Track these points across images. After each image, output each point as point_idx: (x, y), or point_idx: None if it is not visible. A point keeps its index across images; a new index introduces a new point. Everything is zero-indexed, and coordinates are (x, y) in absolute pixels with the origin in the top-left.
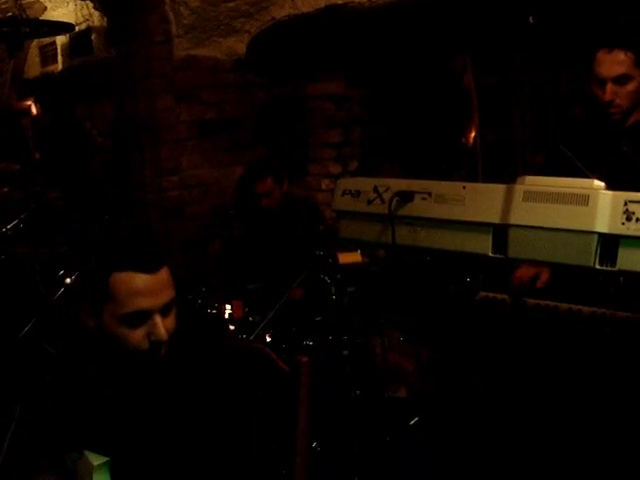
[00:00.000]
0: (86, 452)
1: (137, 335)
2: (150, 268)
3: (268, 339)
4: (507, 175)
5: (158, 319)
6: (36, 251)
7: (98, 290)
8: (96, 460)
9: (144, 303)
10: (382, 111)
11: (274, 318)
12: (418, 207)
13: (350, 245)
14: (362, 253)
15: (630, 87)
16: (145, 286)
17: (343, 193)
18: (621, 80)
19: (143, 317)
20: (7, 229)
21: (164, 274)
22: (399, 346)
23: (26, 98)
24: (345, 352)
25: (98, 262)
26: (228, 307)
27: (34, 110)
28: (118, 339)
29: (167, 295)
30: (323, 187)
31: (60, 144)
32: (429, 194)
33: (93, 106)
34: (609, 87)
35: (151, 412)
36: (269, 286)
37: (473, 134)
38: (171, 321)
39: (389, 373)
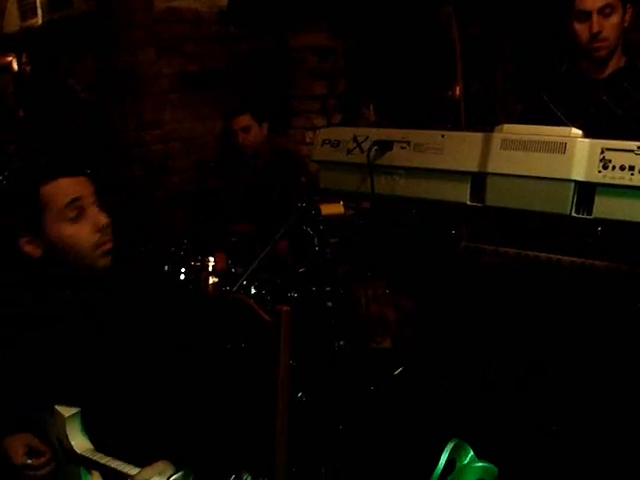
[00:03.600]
0: (56, 407)
1: (83, 230)
2: (71, 172)
3: (253, 291)
4: (490, 125)
5: (94, 208)
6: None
7: (31, 211)
8: (67, 412)
9: (74, 194)
10: (367, 63)
11: (258, 270)
12: (397, 156)
13: (333, 197)
14: (346, 205)
15: (614, 19)
16: (71, 183)
17: (323, 143)
18: (605, 11)
19: (80, 208)
20: None
21: (85, 179)
22: (383, 297)
23: (6, 54)
24: (329, 303)
25: (21, 187)
26: (211, 259)
27: (15, 66)
28: (68, 247)
29: (92, 189)
30: (307, 140)
31: (43, 101)
32: (408, 143)
33: (76, 60)
34: (595, 18)
35: (112, 351)
36: (252, 238)
37: (458, 85)
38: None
39: (373, 324)
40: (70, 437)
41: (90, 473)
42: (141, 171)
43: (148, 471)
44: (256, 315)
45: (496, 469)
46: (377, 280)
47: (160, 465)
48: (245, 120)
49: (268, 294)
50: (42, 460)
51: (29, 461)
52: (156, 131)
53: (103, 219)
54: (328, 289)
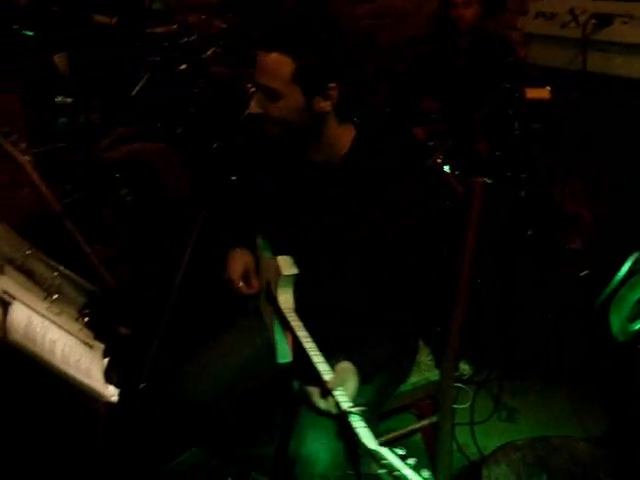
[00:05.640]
0: (279, 258)
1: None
2: (262, 46)
3: (446, 169)
4: None
5: (256, 95)
6: (233, 71)
7: None
8: (286, 269)
9: (254, 75)
10: None
11: (454, 149)
12: (616, 32)
13: (540, 82)
14: (553, 92)
15: None
16: (257, 61)
17: (536, 15)
18: None
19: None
20: (207, 55)
21: (272, 59)
22: (580, 196)
23: None
24: (522, 193)
25: None
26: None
27: None
28: None
29: (267, 80)
30: (518, 25)
31: None
32: (631, 17)
33: None
34: None
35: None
36: (452, 115)
37: None
38: (275, 110)
39: (565, 222)
40: (279, 292)
41: (284, 334)
42: (352, 45)
43: (336, 381)
44: (448, 184)
45: None
46: (577, 177)
47: (344, 370)
48: None
49: (461, 175)
50: (251, 291)
51: (240, 284)
52: (367, 5)
53: (251, 106)
54: (523, 177)
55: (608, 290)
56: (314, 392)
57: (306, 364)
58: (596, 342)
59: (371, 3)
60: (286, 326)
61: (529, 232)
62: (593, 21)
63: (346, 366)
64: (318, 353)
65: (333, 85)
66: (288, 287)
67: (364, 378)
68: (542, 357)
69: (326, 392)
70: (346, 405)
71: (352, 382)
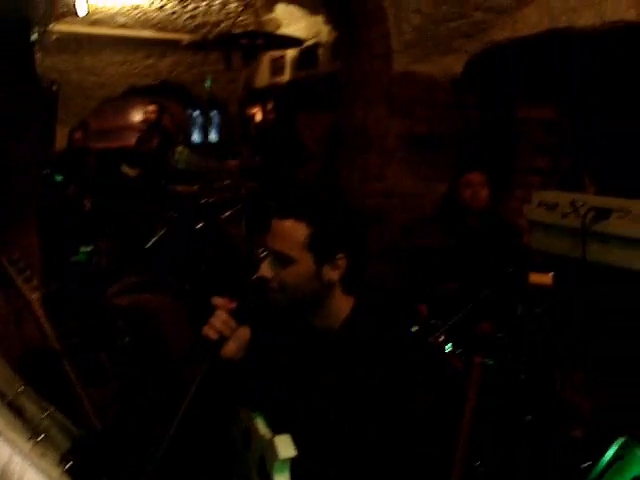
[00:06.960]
0: (276, 438)
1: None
2: (278, 213)
3: (448, 348)
4: None
5: (267, 259)
6: (248, 234)
7: None
8: (284, 451)
9: (266, 240)
10: (595, 140)
11: (455, 328)
12: (614, 225)
13: (544, 268)
14: (556, 278)
15: None
16: (272, 227)
17: (539, 204)
18: None
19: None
20: (225, 216)
21: (287, 225)
22: (580, 385)
23: (253, 105)
24: (522, 376)
25: None
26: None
27: (258, 117)
28: None
29: (280, 245)
30: (524, 212)
31: (277, 150)
32: (628, 212)
33: (313, 116)
34: None
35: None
36: (456, 295)
37: None
38: (286, 275)
39: (564, 410)
40: (276, 476)
41: None
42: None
43: None
44: (447, 362)
45: None
46: (576, 366)
47: None
48: (479, 177)
49: (462, 354)
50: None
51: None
52: (378, 185)
53: (261, 271)
54: (524, 360)
55: (593, 475)
56: None
57: None
58: None
59: (381, 182)
60: None
61: (528, 417)
62: (592, 213)
63: None
64: None
65: (342, 255)
66: (285, 470)
67: None
68: None
69: None
70: None
71: None
